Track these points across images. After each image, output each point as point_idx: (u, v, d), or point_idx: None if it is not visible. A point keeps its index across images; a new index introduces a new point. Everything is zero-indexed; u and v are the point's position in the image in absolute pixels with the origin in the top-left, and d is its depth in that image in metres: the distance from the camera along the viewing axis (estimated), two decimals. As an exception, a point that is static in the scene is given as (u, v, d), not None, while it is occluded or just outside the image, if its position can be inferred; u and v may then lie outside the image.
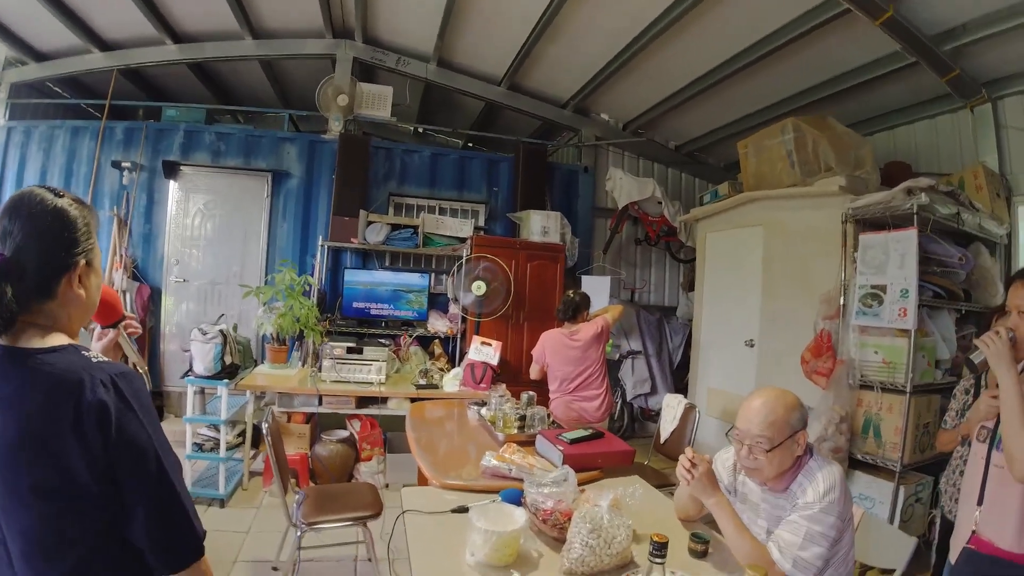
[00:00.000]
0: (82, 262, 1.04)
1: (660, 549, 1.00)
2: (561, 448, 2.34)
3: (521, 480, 2.02)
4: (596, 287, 5.09)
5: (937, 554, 2.49)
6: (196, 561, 1.03)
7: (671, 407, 3.63)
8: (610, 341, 4.49)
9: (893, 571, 1.84)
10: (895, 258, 2.81)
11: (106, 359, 1.02)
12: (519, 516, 1.66)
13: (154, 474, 0.97)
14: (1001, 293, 3.28)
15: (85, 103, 5.51)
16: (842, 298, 3.12)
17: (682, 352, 5.70)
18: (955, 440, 2.36)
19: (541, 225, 5.05)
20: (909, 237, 2.81)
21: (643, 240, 5.97)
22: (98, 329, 1.34)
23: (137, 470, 0.96)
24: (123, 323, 1.33)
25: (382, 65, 5.21)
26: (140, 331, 1.52)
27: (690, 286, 5.80)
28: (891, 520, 2.78)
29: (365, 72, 5.46)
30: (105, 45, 5.06)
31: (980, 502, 1.68)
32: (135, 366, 1.25)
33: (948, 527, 2.32)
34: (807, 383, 3.14)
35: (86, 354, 0.99)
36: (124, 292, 4.53)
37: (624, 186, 5.35)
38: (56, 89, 5.49)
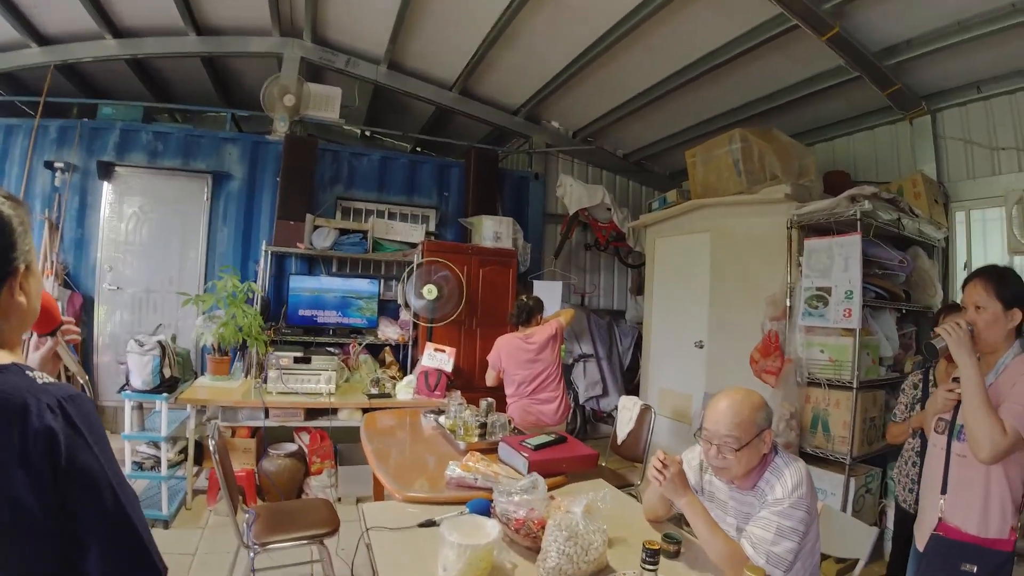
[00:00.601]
0: (21, 267, 0.94)
1: (653, 556, 1.00)
2: (526, 455, 2.32)
3: (487, 489, 1.99)
4: (548, 292, 5.13)
5: (893, 542, 2.64)
6: None
7: (627, 408, 3.69)
8: (563, 345, 4.53)
9: (849, 560, 1.93)
10: (839, 262, 2.97)
11: (52, 380, 0.92)
12: (491, 528, 1.63)
13: (109, 507, 0.89)
14: (940, 293, 3.53)
15: (19, 100, 5.09)
16: (788, 300, 3.26)
17: (631, 354, 5.82)
18: (906, 432, 2.51)
19: (493, 231, 5.05)
20: (853, 242, 2.97)
21: (593, 245, 6.07)
22: (35, 338, 1.22)
23: (90, 503, 0.87)
24: (61, 330, 1.22)
25: (331, 66, 5.07)
26: (80, 338, 1.39)
27: (638, 290, 5.94)
28: (843, 510, 2.92)
29: (313, 72, 5.29)
30: (43, 39, 4.73)
31: (944, 491, 1.78)
32: (73, 377, 1.14)
33: (903, 515, 2.47)
34: (756, 381, 3.26)
35: (30, 374, 0.89)
36: (56, 301, 4.18)
37: (574, 193, 5.43)
38: None
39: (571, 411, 5.51)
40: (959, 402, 1.77)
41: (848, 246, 2.95)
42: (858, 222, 2.98)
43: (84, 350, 4.61)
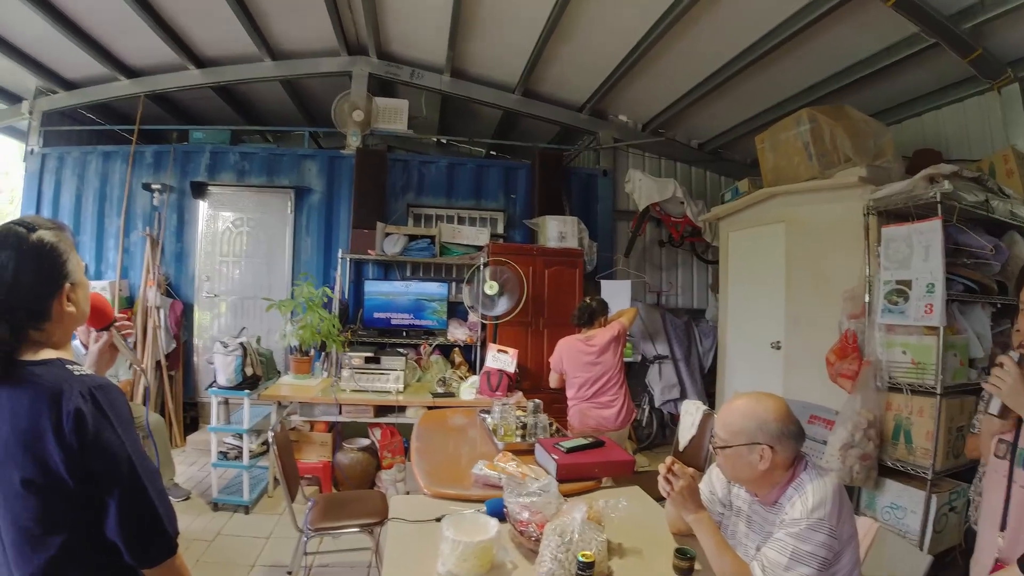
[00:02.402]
0: (67, 283, 1.13)
1: (586, 569, 0.96)
2: (555, 457, 2.30)
3: (514, 490, 2.00)
4: (616, 291, 5.03)
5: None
6: (168, 559, 1.11)
7: (689, 413, 3.53)
8: (628, 345, 4.42)
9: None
10: (919, 251, 2.64)
11: (87, 372, 1.11)
12: (492, 526, 1.64)
13: (126, 477, 1.05)
14: None
15: (116, 128, 5.78)
16: (867, 295, 2.95)
17: (713, 355, 5.54)
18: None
19: (558, 230, 5.02)
20: (933, 228, 2.64)
21: (667, 242, 5.86)
22: (94, 333, 1.42)
23: (110, 472, 1.04)
24: (115, 325, 1.41)
25: (397, 79, 5.31)
26: (133, 331, 1.61)
27: (717, 287, 5.65)
28: (923, 531, 2.60)
29: (383, 86, 5.57)
30: (131, 72, 5.31)
31: (1003, 527, 1.52)
32: (130, 362, 1.31)
33: (975, 538, 2.16)
34: (833, 387, 2.99)
35: (69, 367, 1.08)
36: (158, 308, 4.73)
37: (644, 187, 5.27)
38: (88, 116, 5.78)
39: (641, 414, 5.37)
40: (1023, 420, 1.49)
41: (928, 233, 2.62)
42: (938, 205, 2.63)
43: (185, 352, 5.18)
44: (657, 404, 5.40)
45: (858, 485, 2.90)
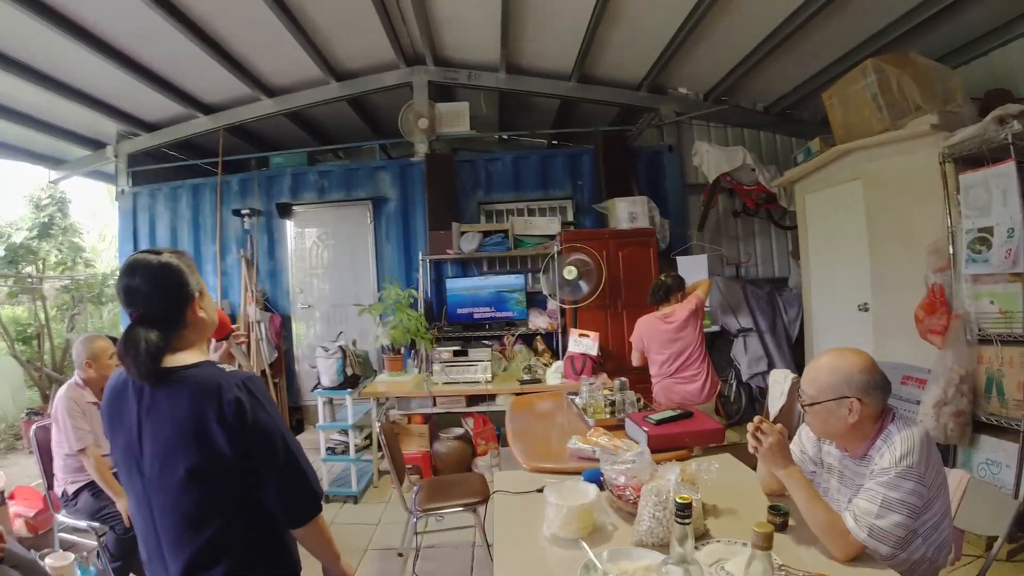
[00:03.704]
0: (196, 293, 1.33)
1: (683, 510, 1.05)
2: (646, 429, 2.38)
3: (608, 462, 2.10)
4: (693, 267, 4.98)
5: None
6: (315, 516, 1.31)
7: (778, 382, 3.48)
8: (707, 316, 4.38)
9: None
10: (997, 196, 2.51)
11: (233, 368, 1.31)
12: (591, 491, 1.75)
13: (281, 449, 1.25)
14: None
15: (200, 162, 6.26)
16: (951, 247, 2.82)
17: (799, 324, 5.36)
18: None
19: (628, 211, 5.02)
20: (1008, 171, 2.50)
21: (742, 211, 5.71)
22: (214, 343, 1.66)
23: (268, 448, 1.23)
24: (232, 335, 1.64)
25: (455, 83, 5.49)
26: (247, 341, 1.88)
27: (799, 253, 5.45)
28: (1017, 483, 2.48)
29: (443, 92, 5.77)
30: (207, 108, 5.76)
31: None
32: (244, 368, 1.54)
33: None
34: (925, 345, 2.88)
35: (219, 366, 1.29)
36: (259, 323, 5.19)
37: (711, 158, 5.17)
38: (172, 153, 6.30)
39: (729, 389, 5.29)
40: None
41: (1004, 176, 2.49)
42: (1011, 147, 2.48)
43: (287, 360, 5.62)
44: (745, 378, 5.30)
45: (953, 443, 2.80)
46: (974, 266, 2.71)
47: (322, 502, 1.33)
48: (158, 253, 1.32)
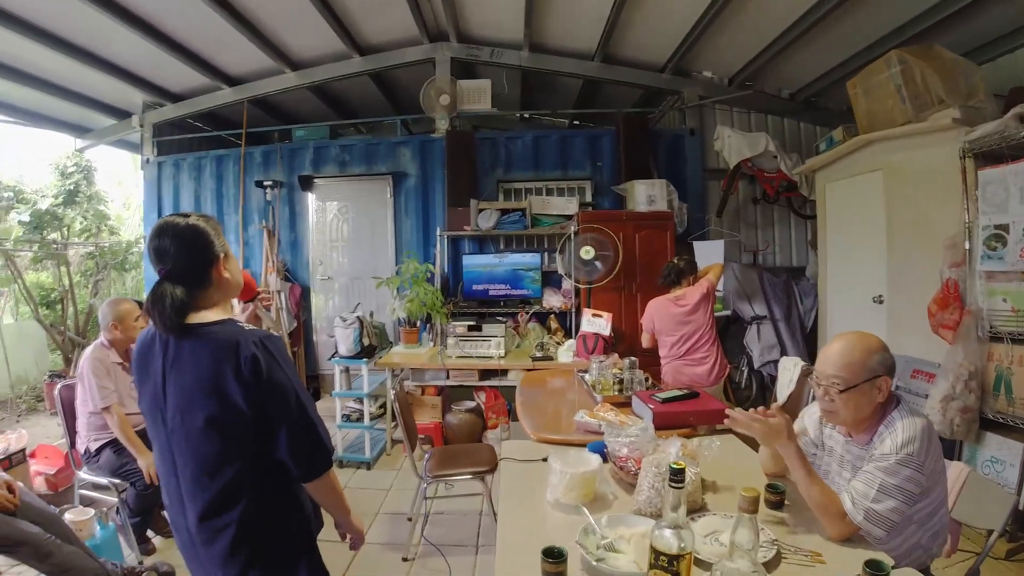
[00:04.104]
0: (221, 255, 1.41)
1: (677, 475, 1.11)
2: (652, 407, 2.44)
3: (613, 436, 2.16)
4: (709, 252, 4.98)
5: None
6: (326, 471, 1.39)
7: (787, 370, 3.52)
8: (718, 300, 4.40)
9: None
10: (1015, 193, 2.49)
11: (253, 327, 1.38)
12: (594, 460, 1.82)
13: (293, 405, 1.32)
14: None
15: (224, 133, 6.37)
16: (967, 242, 2.81)
17: (815, 315, 5.35)
18: None
19: (646, 194, 5.02)
20: None
21: (762, 198, 5.66)
22: (240, 304, 1.75)
23: (281, 402, 1.30)
24: (258, 298, 1.73)
25: (478, 60, 5.48)
26: (272, 302, 1.97)
27: (817, 243, 5.41)
28: (1020, 484, 2.50)
29: (465, 69, 5.77)
30: (232, 80, 5.81)
31: None
32: (270, 329, 1.63)
33: None
34: (937, 341, 2.88)
35: (240, 324, 1.36)
36: (279, 292, 5.31)
37: (733, 144, 5.13)
38: (196, 124, 6.41)
39: (740, 376, 5.32)
40: None
41: (1022, 174, 2.47)
42: None
43: (305, 330, 5.76)
44: (756, 366, 5.31)
45: (959, 439, 2.81)
46: (989, 263, 2.70)
47: (332, 459, 1.41)
48: (186, 216, 1.39)
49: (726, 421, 1.75)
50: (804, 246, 5.78)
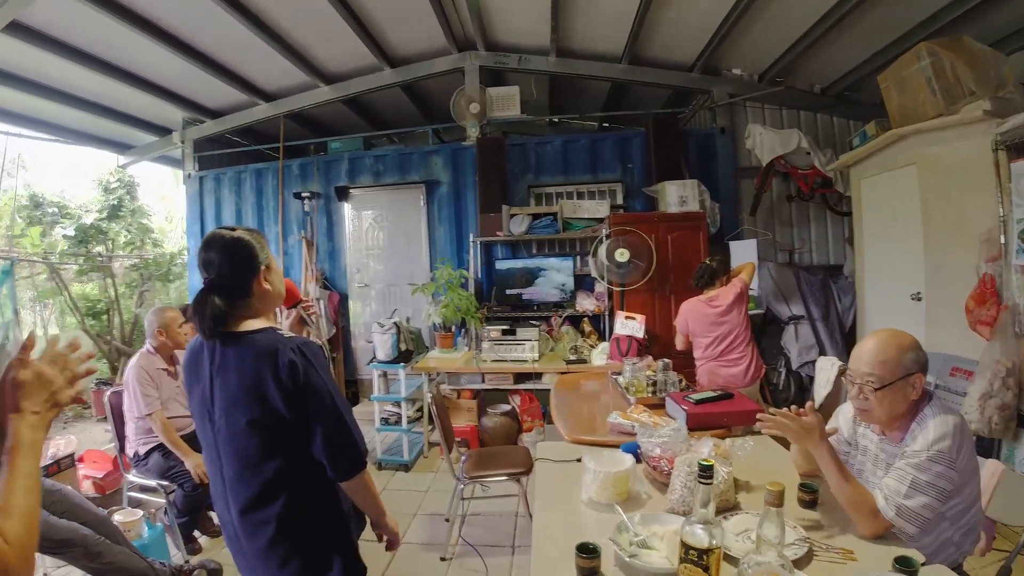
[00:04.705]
0: (262, 267, 1.49)
1: (706, 471, 1.14)
2: (686, 408, 2.45)
3: (646, 438, 2.19)
4: (743, 251, 4.94)
5: None
6: (359, 472, 1.45)
7: (824, 370, 3.49)
8: (752, 300, 4.36)
9: None
10: None
11: (293, 334, 1.46)
12: (628, 460, 1.86)
13: (329, 408, 1.40)
14: None
15: (262, 148, 6.60)
16: (1002, 236, 2.74)
17: (853, 313, 5.24)
18: None
19: (678, 195, 5.00)
20: None
21: (796, 196, 5.57)
22: (285, 311, 1.85)
23: (317, 405, 1.38)
24: (301, 305, 1.83)
25: (506, 67, 5.56)
26: (316, 310, 2.07)
27: (854, 240, 5.30)
28: None
29: (493, 76, 5.86)
30: (268, 96, 6.03)
31: None
32: (313, 335, 1.72)
33: None
34: (976, 337, 2.82)
35: (279, 332, 1.45)
36: (318, 300, 5.49)
37: (765, 141, 5.07)
38: (235, 139, 6.65)
39: (778, 377, 5.23)
40: None
41: None
42: None
43: (344, 337, 5.92)
44: (794, 367, 5.22)
45: (996, 436, 2.73)
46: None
47: (366, 461, 1.47)
48: (232, 230, 1.49)
49: (756, 424, 1.76)
50: (841, 243, 5.66)
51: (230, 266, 1.45)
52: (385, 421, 4.41)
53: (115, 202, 7.82)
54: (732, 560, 1.33)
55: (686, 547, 1.16)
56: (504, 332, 4.59)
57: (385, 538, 1.67)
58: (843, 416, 1.89)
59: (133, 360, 3.05)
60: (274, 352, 1.36)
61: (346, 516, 1.54)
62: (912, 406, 1.58)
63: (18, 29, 4.03)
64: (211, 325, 1.39)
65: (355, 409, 5.50)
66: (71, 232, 7.34)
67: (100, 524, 2.43)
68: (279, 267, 1.58)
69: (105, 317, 7.02)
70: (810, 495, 1.65)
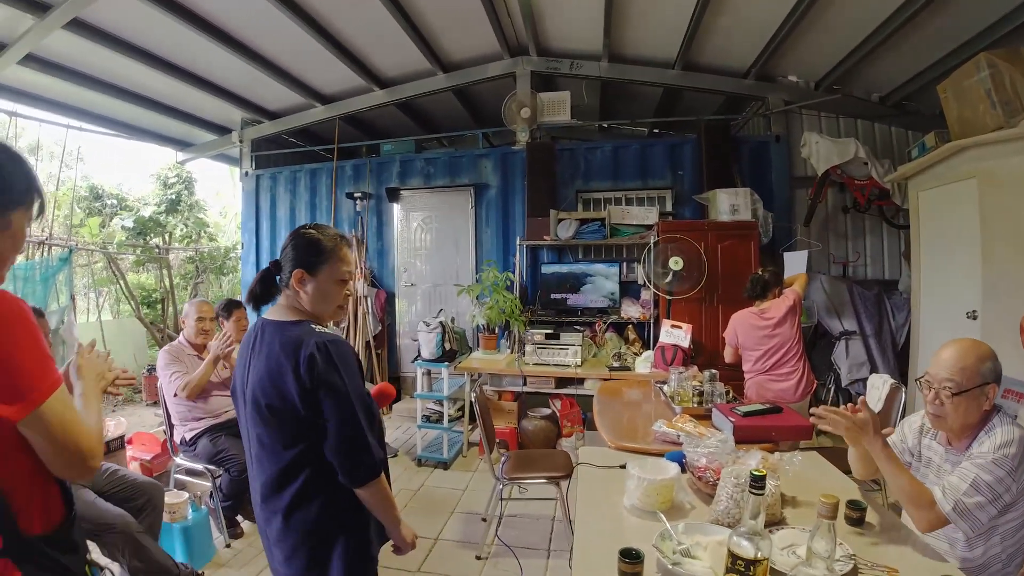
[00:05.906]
0: (297, 275, 1.49)
1: (757, 481, 1.14)
2: (733, 420, 2.43)
3: (691, 447, 2.19)
4: (794, 263, 4.82)
5: None
6: (371, 480, 1.41)
7: (876, 387, 3.37)
8: (803, 312, 4.25)
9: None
10: None
11: (326, 330, 1.47)
12: (673, 469, 1.86)
13: (344, 410, 1.37)
14: None
15: (317, 149, 6.83)
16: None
17: (907, 331, 5.04)
18: None
19: (729, 203, 4.91)
20: None
21: (852, 207, 5.40)
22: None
23: (332, 405, 1.38)
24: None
25: (557, 72, 5.59)
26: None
27: (911, 254, 5.10)
28: None
29: (544, 81, 5.90)
30: (324, 99, 6.25)
31: None
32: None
33: None
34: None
35: (314, 327, 1.45)
36: (366, 297, 5.65)
37: (821, 150, 4.94)
38: (291, 140, 6.91)
39: (827, 394, 5.08)
40: None
41: None
42: None
43: (389, 334, 6.08)
44: (844, 384, 5.06)
45: None
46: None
47: (381, 470, 1.43)
48: (307, 227, 1.57)
49: (811, 419, 1.79)
50: (897, 258, 5.46)
51: (284, 256, 1.54)
52: (427, 419, 4.51)
53: (173, 196, 8.24)
54: (777, 574, 1.33)
55: (733, 557, 1.17)
56: (547, 336, 4.62)
57: (392, 544, 1.63)
58: (908, 426, 1.91)
59: (162, 349, 3.25)
60: (298, 345, 1.38)
61: (360, 508, 1.48)
62: (983, 416, 1.61)
63: (86, 29, 4.30)
64: (249, 299, 1.55)
65: (398, 407, 5.63)
66: (130, 224, 7.77)
67: (145, 491, 2.54)
68: (327, 281, 1.53)
69: (159, 306, 7.37)
70: (858, 512, 1.66)
